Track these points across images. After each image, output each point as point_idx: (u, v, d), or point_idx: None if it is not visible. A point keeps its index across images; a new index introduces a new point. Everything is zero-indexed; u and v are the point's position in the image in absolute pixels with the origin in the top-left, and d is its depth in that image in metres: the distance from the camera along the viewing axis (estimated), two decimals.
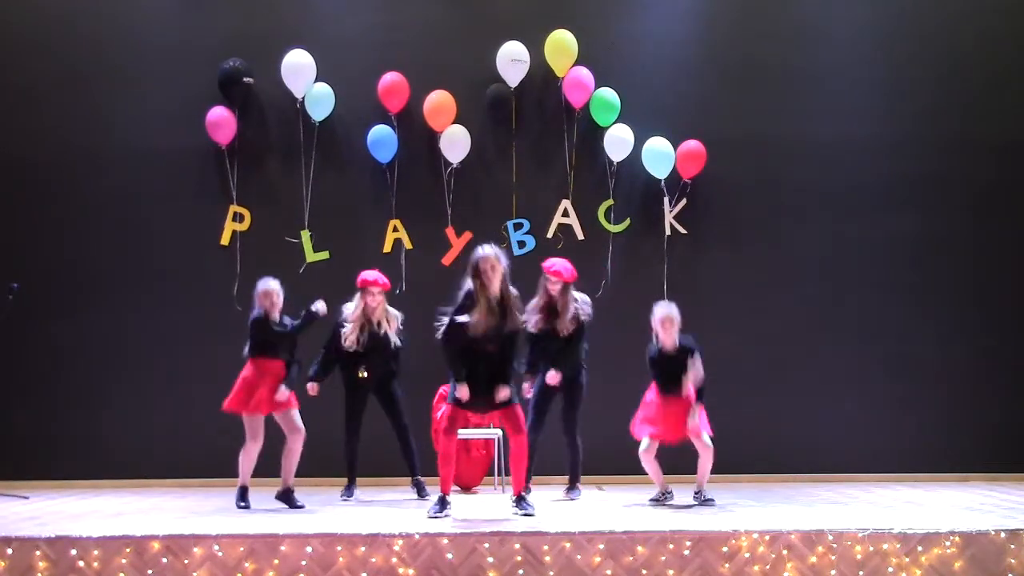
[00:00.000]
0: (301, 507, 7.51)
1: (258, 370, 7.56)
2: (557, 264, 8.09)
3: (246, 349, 7.66)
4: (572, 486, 8.21)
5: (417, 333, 8.22)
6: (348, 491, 8.25)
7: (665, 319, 7.60)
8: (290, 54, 9.45)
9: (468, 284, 7.02)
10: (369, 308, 8.17)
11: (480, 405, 7.09)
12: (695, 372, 7.54)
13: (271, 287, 7.65)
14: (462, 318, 6.94)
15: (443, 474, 7.08)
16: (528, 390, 8.09)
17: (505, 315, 6.95)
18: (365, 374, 8.17)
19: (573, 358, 8.04)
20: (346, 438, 8.28)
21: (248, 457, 7.59)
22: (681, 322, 7.66)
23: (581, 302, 8.13)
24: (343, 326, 8.18)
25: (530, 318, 7.86)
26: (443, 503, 7.02)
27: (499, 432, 8.61)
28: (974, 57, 9.98)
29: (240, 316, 9.06)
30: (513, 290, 7.07)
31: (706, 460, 7.61)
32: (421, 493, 8.18)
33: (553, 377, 7.95)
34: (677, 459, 7.95)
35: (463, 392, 6.96)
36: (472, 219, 9.67)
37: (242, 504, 7.57)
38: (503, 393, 6.94)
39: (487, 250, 7.02)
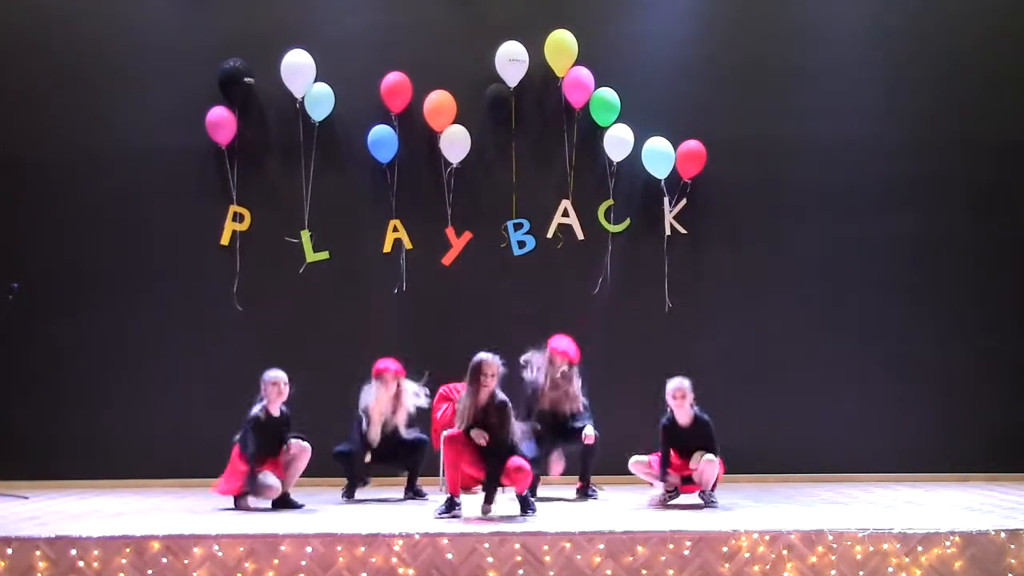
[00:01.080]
0: (300, 506, 7.51)
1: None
2: (563, 343, 8.22)
3: (236, 436, 7.65)
4: (585, 487, 8.20)
5: (417, 333, 8.25)
6: (349, 492, 8.23)
7: (676, 391, 7.62)
8: (290, 54, 9.44)
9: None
10: (386, 397, 8.08)
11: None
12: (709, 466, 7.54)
13: (279, 376, 7.64)
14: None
15: (450, 476, 7.12)
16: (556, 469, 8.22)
17: (492, 424, 7.11)
18: (370, 459, 8.08)
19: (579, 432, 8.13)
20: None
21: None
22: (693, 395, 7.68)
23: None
24: (364, 417, 8.09)
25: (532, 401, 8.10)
26: (451, 505, 7.03)
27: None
28: (974, 57, 9.98)
29: (240, 316, 9.09)
30: (502, 396, 7.19)
31: (715, 468, 7.62)
32: (418, 495, 8.18)
33: (557, 467, 8.15)
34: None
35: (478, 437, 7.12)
36: (472, 219, 9.67)
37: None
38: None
39: (490, 357, 7.18)
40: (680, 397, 7.61)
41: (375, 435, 8.04)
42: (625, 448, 8.43)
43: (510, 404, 7.21)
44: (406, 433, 8.16)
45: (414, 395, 8.20)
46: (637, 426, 8.09)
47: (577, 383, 8.19)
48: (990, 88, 9.97)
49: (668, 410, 7.70)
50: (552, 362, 8.16)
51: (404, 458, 8.20)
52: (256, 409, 7.61)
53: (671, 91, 9.82)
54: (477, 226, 9.65)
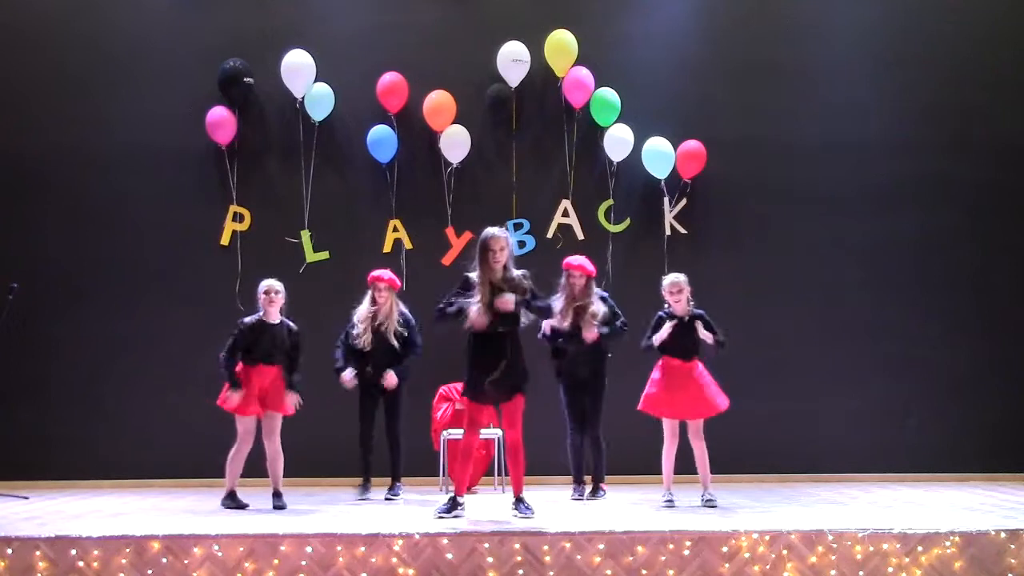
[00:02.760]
0: (283, 508, 7.53)
1: (255, 373, 7.61)
2: (579, 259, 8.13)
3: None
4: (596, 487, 8.17)
5: (415, 333, 8.24)
6: (364, 489, 8.23)
7: (672, 286, 7.68)
8: (289, 54, 9.45)
9: (471, 270, 7.00)
10: (377, 305, 8.18)
11: (493, 393, 6.98)
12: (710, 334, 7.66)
13: (266, 285, 7.70)
14: (461, 304, 6.90)
15: (458, 475, 7.09)
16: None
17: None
18: (371, 372, 8.17)
19: (601, 357, 8.09)
20: (360, 439, 8.26)
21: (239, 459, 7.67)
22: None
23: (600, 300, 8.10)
24: (354, 325, 8.22)
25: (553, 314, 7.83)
26: (454, 504, 6.99)
27: (499, 432, 8.59)
28: (974, 57, 9.99)
29: (240, 316, 9.06)
30: (517, 272, 7.03)
31: (704, 458, 7.63)
32: (390, 491, 8.18)
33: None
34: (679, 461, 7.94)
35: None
36: (472, 219, 9.65)
37: (232, 505, 7.60)
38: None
39: (496, 231, 7.02)
40: (677, 292, 7.64)
41: (366, 341, 8.09)
42: (628, 449, 8.46)
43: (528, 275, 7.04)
44: (398, 342, 8.19)
45: (401, 314, 8.28)
46: (640, 428, 8.07)
47: (597, 298, 8.01)
48: (990, 88, 9.97)
49: (666, 305, 7.74)
50: (570, 279, 8.02)
51: (399, 361, 8.22)
52: (249, 318, 7.68)
53: (671, 91, 9.83)
54: (477, 226, 9.53)
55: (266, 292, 7.69)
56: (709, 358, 7.82)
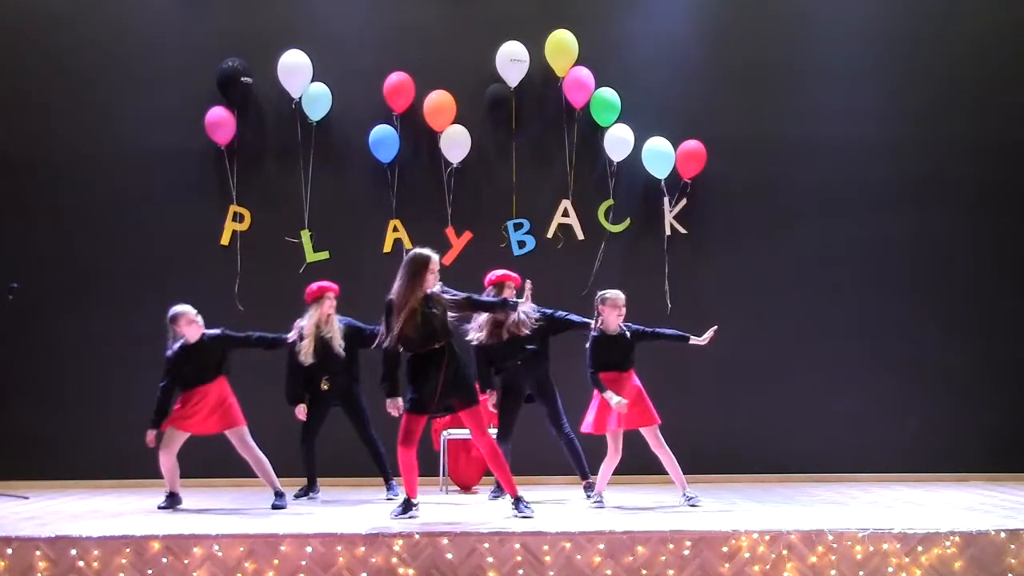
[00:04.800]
0: (282, 507, 7.55)
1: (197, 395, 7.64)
2: (503, 270, 8.13)
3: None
4: (586, 485, 8.12)
5: None
6: (308, 491, 8.27)
7: (619, 299, 7.47)
8: (286, 54, 9.45)
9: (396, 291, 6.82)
10: (323, 316, 8.14)
11: (440, 407, 6.91)
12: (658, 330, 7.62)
13: (175, 312, 7.62)
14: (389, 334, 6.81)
15: (407, 480, 6.94)
16: (488, 402, 8.06)
17: (432, 313, 6.80)
18: (327, 386, 8.13)
19: (543, 364, 8.02)
20: (302, 449, 8.25)
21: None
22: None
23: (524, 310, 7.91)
24: (297, 340, 8.07)
25: (474, 335, 7.90)
26: (408, 506, 6.93)
27: (495, 432, 8.57)
28: (974, 57, 9.98)
29: (240, 315, 9.08)
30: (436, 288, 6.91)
31: (673, 464, 7.52)
32: (389, 491, 8.18)
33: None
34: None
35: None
36: (472, 219, 9.67)
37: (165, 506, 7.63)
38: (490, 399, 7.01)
39: (429, 251, 6.89)
40: (623, 306, 7.46)
41: (308, 353, 8.00)
42: (626, 449, 8.40)
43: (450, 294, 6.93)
44: (342, 351, 8.14)
45: (339, 320, 8.22)
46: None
47: (527, 307, 7.72)
48: (990, 88, 9.97)
49: (597, 322, 7.49)
50: (503, 287, 7.96)
51: (348, 366, 8.19)
52: (172, 350, 7.63)
53: (671, 91, 9.83)
54: (477, 226, 9.65)
55: (174, 320, 7.57)
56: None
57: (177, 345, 7.62)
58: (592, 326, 7.56)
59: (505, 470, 6.99)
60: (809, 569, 6.23)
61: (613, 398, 7.23)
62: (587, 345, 7.48)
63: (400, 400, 6.88)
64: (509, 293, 7.94)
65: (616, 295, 7.49)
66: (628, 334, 7.50)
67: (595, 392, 7.44)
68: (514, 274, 8.14)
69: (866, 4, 10.01)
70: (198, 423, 7.56)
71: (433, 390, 6.77)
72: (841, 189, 9.81)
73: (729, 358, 9.09)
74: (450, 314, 6.89)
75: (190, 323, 7.58)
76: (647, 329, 7.60)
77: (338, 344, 8.11)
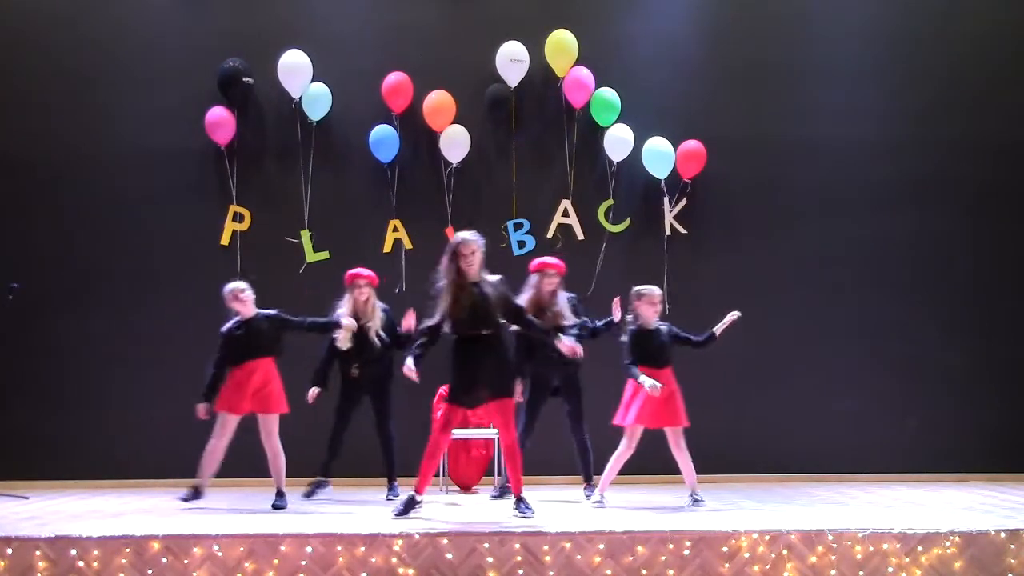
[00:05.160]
0: (282, 507, 7.54)
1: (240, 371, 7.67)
2: (552, 259, 8.17)
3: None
4: (588, 486, 8.17)
5: (415, 333, 8.25)
6: (319, 484, 8.26)
7: (655, 296, 7.60)
8: (286, 54, 9.45)
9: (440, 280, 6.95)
10: (358, 304, 8.16)
11: (476, 398, 6.95)
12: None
13: (230, 288, 7.71)
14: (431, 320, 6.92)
15: (424, 470, 6.95)
16: (520, 394, 8.09)
17: (487, 299, 6.88)
18: (356, 373, 8.14)
19: (573, 363, 7.94)
20: (330, 440, 8.24)
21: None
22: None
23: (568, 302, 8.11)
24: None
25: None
26: (411, 503, 6.93)
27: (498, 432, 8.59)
28: (974, 57, 9.99)
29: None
30: (491, 276, 6.99)
31: (687, 465, 7.59)
32: (390, 492, 8.19)
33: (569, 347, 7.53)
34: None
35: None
36: (472, 219, 9.63)
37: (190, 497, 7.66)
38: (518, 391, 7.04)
39: (468, 235, 7.00)
40: (659, 303, 7.59)
41: (343, 340, 7.98)
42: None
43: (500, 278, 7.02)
44: (382, 337, 8.18)
45: (381, 310, 8.26)
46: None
47: (563, 299, 8.02)
48: (990, 88, 9.98)
49: (633, 316, 7.61)
50: (543, 276, 8.02)
51: (382, 356, 8.21)
52: (227, 326, 7.69)
53: (671, 91, 9.83)
54: (477, 226, 9.51)
55: (231, 294, 7.66)
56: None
57: (232, 321, 7.68)
58: (627, 321, 7.66)
59: (519, 469, 7.02)
60: (809, 569, 6.24)
61: (647, 381, 7.29)
62: (624, 339, 7.60)
63: (413, 366, 6.94)
64: (547, 282, 8.03)
65: (652, 291, 7.61)
66: (665, 331, 7.62)
67: (628, 385, 7.54)
68: (557, 261, 8.16)
69: (866, 4, 10.02)
70: (238, 402, 7.56)
71: (472, 379, 6.86)
72: (841, 189, 9.82)
73: (729, 358, 9.08)
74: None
75: (235, 299, 7.64)
76: (680, 334, 7.72)
77: (375, 333, 8.14)
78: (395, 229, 9.66)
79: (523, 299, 7.84)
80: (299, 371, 8.12)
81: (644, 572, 6.19)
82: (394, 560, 6.14)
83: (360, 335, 8.10)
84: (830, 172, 9.83)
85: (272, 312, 7.75)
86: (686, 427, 7.58)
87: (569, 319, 7.98)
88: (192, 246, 9.57)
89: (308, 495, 8.19)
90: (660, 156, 9.58)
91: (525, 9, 9.83)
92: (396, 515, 6.87)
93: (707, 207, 9.75)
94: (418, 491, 6.95)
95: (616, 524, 6.45)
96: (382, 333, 8.22)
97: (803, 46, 9.95)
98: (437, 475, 8.72)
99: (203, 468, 7.68)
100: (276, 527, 6.42)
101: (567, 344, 7.09)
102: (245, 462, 7.92)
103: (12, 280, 8.74)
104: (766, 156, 9.79)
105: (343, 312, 8.13)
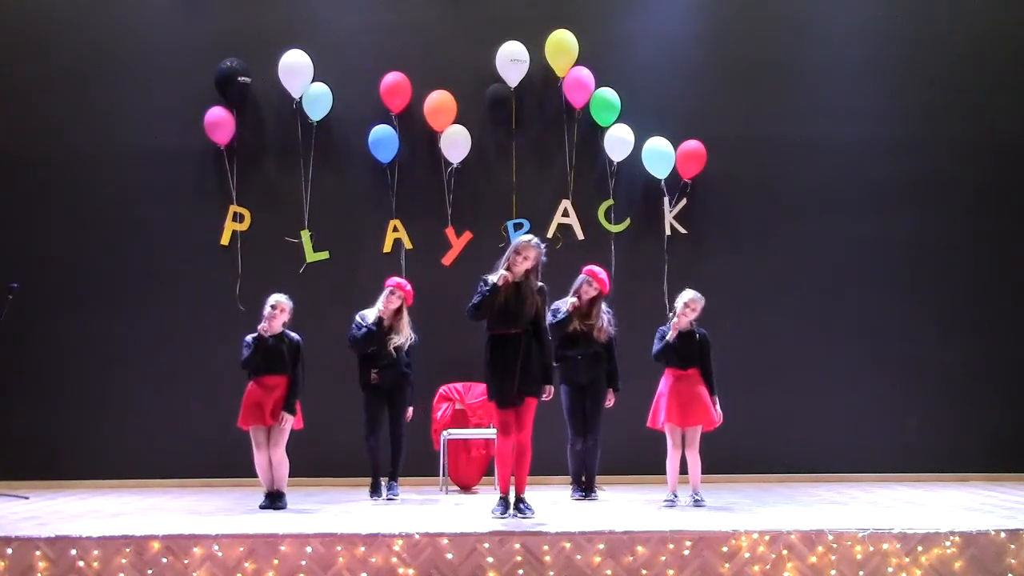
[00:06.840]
0: (280, 508, 7.51)
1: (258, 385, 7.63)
2: (601, 272, 8.23)
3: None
4: (590, 488, 8.16)
5: (417, 332, 8.23)
6: (375, 491, 8.15)
7: (695, 302, 7.71)
8: (287, 54, 9.45)
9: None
10: (387, 311, 8.14)
11: (515, 397, 6.94)
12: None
13: (273, 300, 7.65)
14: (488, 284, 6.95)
15: (501, 474, 7.02)
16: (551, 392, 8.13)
17: (522, 298, 6.92)
18: (376, 378, 8.13)
19: (601, 365, 8.14)
20: (365, 437, 8.18)
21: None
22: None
23: (608, 315, 8.22)
24: (361, 328, 8.13)
25: (551, 318, 7.88)
26: (506, 504, 6.95)
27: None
28: (974, 57, 9.98)
29: (241, 316, 9.08)
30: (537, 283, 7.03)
31: (696, 466, 7.65)
32: (389, 491, 8.15)
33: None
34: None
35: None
36: (472, 219, 9.67)
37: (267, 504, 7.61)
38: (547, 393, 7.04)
39: (532, 240, 7.04)
40: (699, 309, 7.71)
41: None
42: (626, 449, 8.44)
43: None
44: (404, 358, 8.17)
45: (408, 336, 8.23)
46: (638, 429, 8.06)
47: (605, 315, 8.16)
48: (990, 88, 9.98)
49: (672, 317, 7.74)
50: (590, 283, 8.14)
51: (403, 364, 8.19)
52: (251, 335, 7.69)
53: (671, 91, 9.82)
54: (477, 226, 9.65)
55: (271, 305, 7.62)
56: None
57: (256, 333, 7.68)
58: (669, 318, 7.82)
59: (526, 470, 7.03)
60: (809, 569, 6.24)
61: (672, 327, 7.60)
62: (656, 336, 7.76)
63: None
64: (586, 288, 8.13)
65: (694, 297, 7.73)
66: (698, 336, 7.74)
67: (659, 385, 7.72)
68: (604, 276, 8.21)
69: (866, 4, 10.01)
70: (260, 416, 7.53)
71: (512, 379, 6.86)
72: (841, 189, 9.81)
73: (729, 358, 9.06)
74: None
75: (271, 310, 7.60)
76: (707, 354, 7.78)
77: (395, 344, 8.11)
78: (395, 229, 9.66)
79: (568, 297, 8.10)
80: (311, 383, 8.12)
81: (644, 572, 6.19)
82: (394, 560, 6.14)
83: (380, 339, 8.09)
84: (830, 172, 9.83)
85: (296, 338, 7.71)
86: (713, 428, 7.70)
87: (606, 330, 8.11)
88: (192, 246, 9.57)
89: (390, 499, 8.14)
90: (660, 156, 9.58)
91: (525, 9, 9.83)
92: (495, 515, 6.88)
93: (707, 207, 9.75)
94: (503, 491, 6.98)
95: (616, 524, 6.45)
96: (404, 353, 8.16)
97: (803, 46, 9.95)
98: (437, 475, 8.76)
99: (262, 480, 7.65)
100: (276, 527, 6.42)
101: (549, 390, 7.13)
102: (245, 462, 7.91)
103: (12, 280, 8.74)
104: (766, 156, 9.79)
105: (370, 312, 8.12)
